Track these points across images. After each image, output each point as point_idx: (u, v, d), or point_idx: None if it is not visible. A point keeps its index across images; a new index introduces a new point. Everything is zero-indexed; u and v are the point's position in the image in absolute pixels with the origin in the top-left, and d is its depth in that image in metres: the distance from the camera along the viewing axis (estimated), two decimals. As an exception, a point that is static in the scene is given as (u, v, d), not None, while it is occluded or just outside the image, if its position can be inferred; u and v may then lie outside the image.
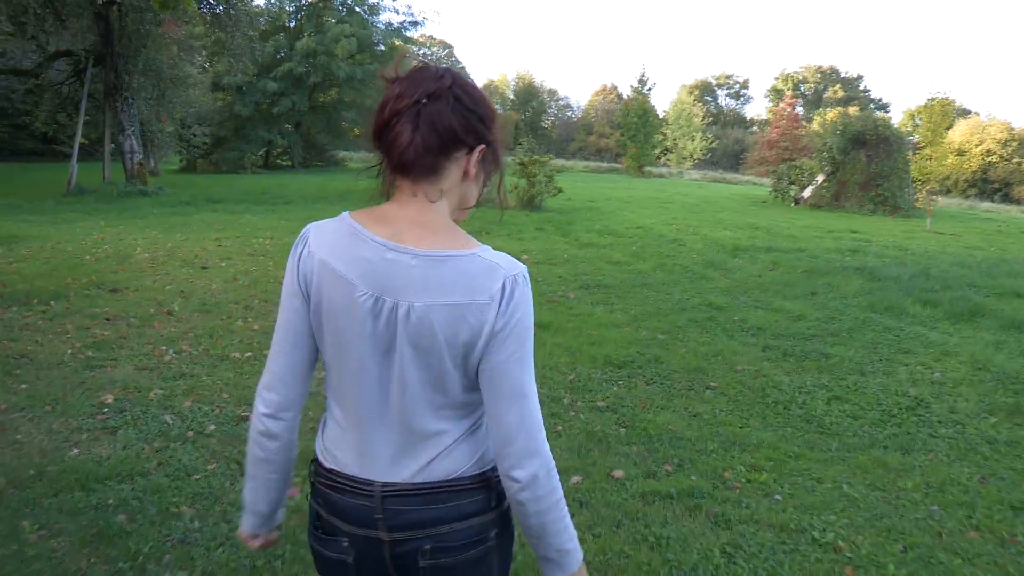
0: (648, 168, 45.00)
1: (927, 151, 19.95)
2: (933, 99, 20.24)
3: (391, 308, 1.37)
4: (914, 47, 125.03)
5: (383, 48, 40.08)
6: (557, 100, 79.88)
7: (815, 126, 53.78)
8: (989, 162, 52.14)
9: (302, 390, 1.53)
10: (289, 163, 39.83)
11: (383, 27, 40.90)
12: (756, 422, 5.14)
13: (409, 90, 1.33)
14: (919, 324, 8.15)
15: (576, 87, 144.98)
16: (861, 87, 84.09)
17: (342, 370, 1.45)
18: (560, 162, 36.19)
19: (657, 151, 59.08)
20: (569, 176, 34.15)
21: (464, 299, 1.35)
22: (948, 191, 38.78)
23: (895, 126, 26.15)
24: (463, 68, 70.96)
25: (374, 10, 40.27)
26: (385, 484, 1.45)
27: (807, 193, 24.92)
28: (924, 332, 7.79)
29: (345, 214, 1.44)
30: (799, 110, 65.65)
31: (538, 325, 6.28)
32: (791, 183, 25.93)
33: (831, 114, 48.38)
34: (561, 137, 71.70)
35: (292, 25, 38.85)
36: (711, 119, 74.12)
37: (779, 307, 8.67)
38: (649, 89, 46.24)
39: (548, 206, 18.80)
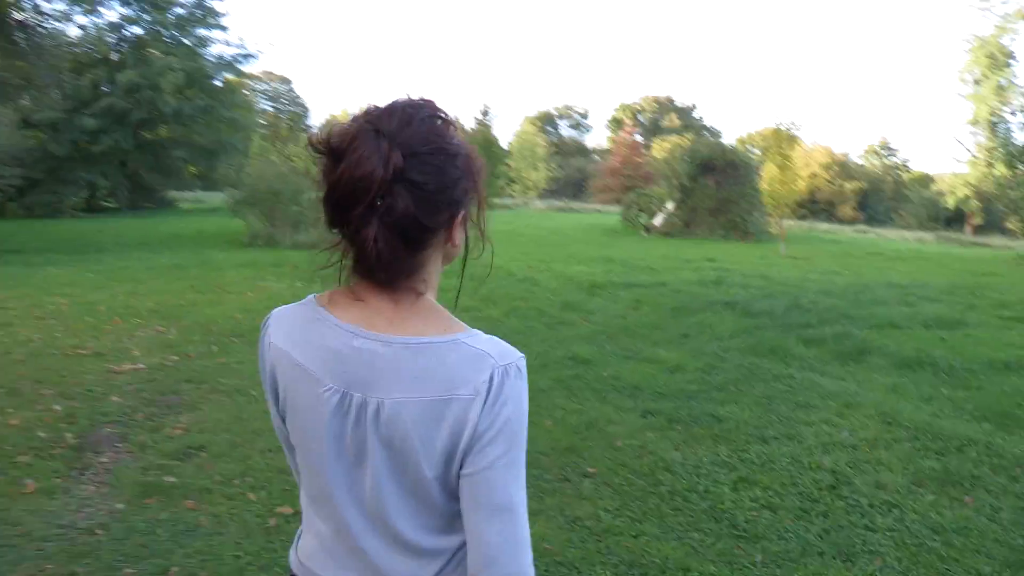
0: (493, 200, 44.23)
1: (779, 176, 19.84)
2: (779, 126, 20.14)
3: (360, 405, 1.17)
4: (741, 78, 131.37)
5: (218, 82, 37.93)
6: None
7: (655, 152, 54.81)
8: (816, 185, 54.90)
9: None
10: (115, 205, 36.79)
11: (214, 60, 38.59)
12: (652, 525, 4.04)
13: (356, 180, 1.07)
14: (808, 369, 7.40)
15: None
16: (695, 115, 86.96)
17: (314, 478, 1.25)
18: None
19: (501, 182, 59.05)
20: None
21: (443, 394, 1.14)
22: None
23: (742, 152, 26.40)
24: (301, 104, 69.16)
25: (203, 42, 37.96)
26: None
27: (658, 221, 24.69)
28: (816, 379, 7.02)
29: (310, 297, 1.26)
30: (639, 138, 67.08)
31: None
32: (640, 211, 25.67)
33: (669, 142, 49.26)
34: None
35: (115, 58, 36.04)
36: (554, 149, 74.88)
37: (652, 356, 7.74)
38: (492, 120, 45.81)
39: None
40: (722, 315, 9.86)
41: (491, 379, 1.14)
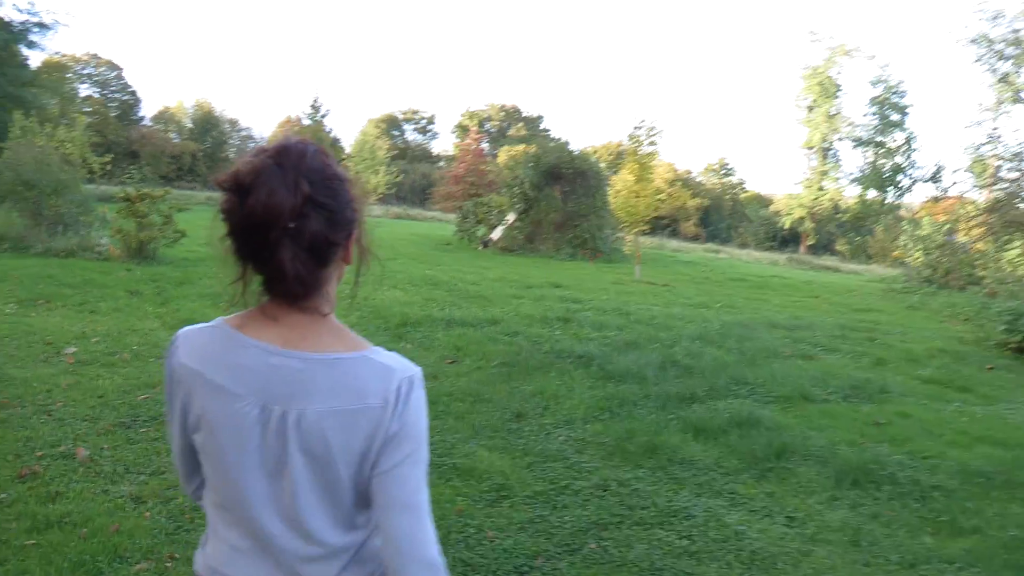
0: None
1: (635, 187, 17.27)
2: (636, 136, 17.51)
3: (279, 417, 1.29)
4: (587, 92, 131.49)
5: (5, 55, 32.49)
6: (239, 130, 73.45)
7: (501, 159, 52.70)
8: (659, 200, 54.19)
9: None
10: None
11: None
12: None
13: (269, 209, 1.21)
14: (709, 490, 4.65)
15: (260, 118, 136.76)
16: (541, 126, 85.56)
17: (227, 488, 1.35)
18: (192, 194, 30.24)
19: None
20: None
21: (357, 404, 1.29)
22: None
23: (593, 159, 23.80)
24: (133, 92, 62.75)
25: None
26: None
27: (496, 234, 21.63)
28: (724, 516, 4.24)
29: (219, 319, 1.37)
30: (484, 146, 64.86)
31: None
32: (478, 222, 22.64)
33: (516, 150, 47.11)
34: (244, 170, 65.21)
35: None
36: (397, 153, 71.86)
37: (465, 463, 4.78)
38: (324, 115, 41.55)
39: (165, 256, 13.85)
40: (573, 377, 7.02)
41: (398, 389, 1.30)
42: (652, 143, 17.59)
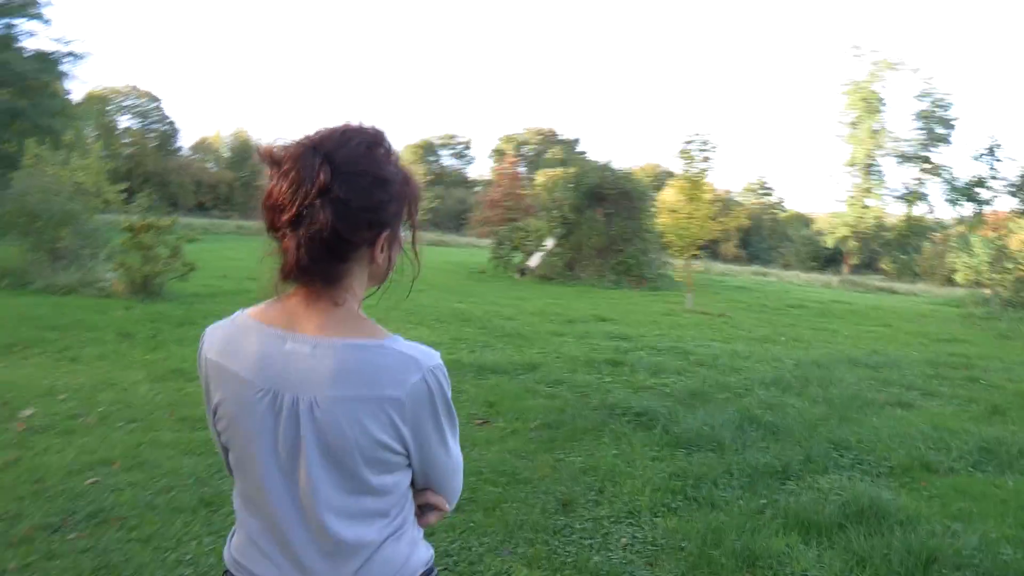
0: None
1: (687, 208, 15.83)
2: (687, 151, 16.01)
3: (291, 403, 1.28)
4: (623, 115, 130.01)
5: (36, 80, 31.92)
6: (276, 160, 73.25)
7: (538, 180, 51.72)
8: (716, 221, 52.62)
9: None
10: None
11: (29, 56, 32.40)
12: None
13: (287, 192, 1.23)
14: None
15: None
16: (579, 149, 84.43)
17: (247, 478, 1.36)
18: (223, 223, 29.23)
19: None
20: (249, 244, 27.96)
21: (375, 393, 1.26)
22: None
23: (637, 180, 22.24)
24: (172, 123, 62.68)
25: (10, 35, 31.84)
26: None
27: (534, 261, 20.16)
28: None
29: (240, 310, 1.38)
30: (521, 169, 63.93)
31: None
32: (514, 248, 21.22)
33: (555, 172, 46.03)
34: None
35: None
36: (433, 178, 71.32)
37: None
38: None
39: (173, 291, 12.69)
40: (631, 443, 5.63)
41: (425, 382, 1.29)
42: (705, 159, 16.12)
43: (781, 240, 60.63)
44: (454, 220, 63.18)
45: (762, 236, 62.29)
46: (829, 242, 57.03)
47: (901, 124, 60.67)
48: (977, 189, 20.29)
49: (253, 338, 1.30)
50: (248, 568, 1.37)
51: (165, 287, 12.55)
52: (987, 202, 20.84)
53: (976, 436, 6.21)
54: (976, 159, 20.17)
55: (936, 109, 55.71)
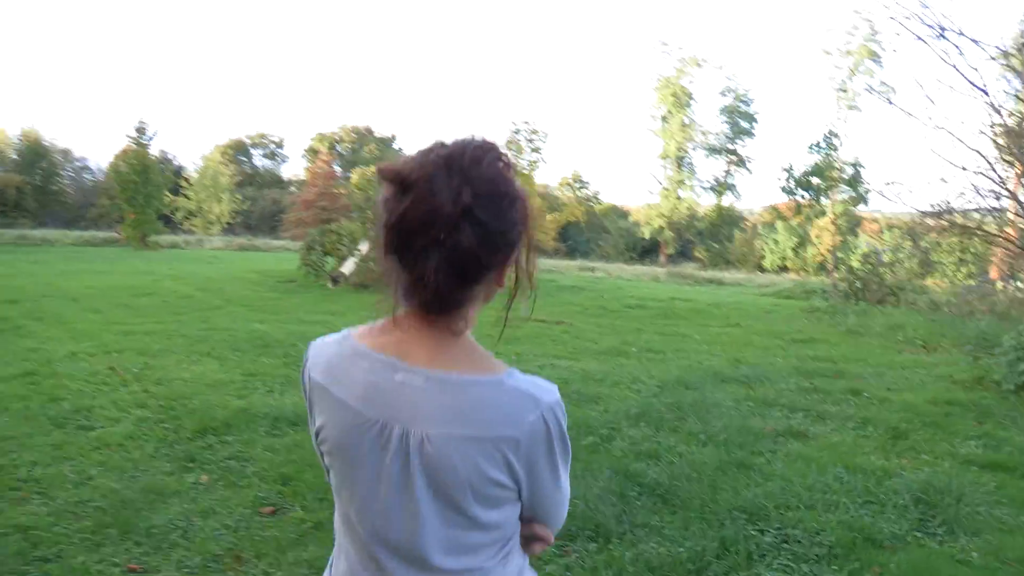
0: (154, 238, 34.79)
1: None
2: (514, 141, 14.58)
3: (400, 437, 1.19)
4: (441, 109, 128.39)
5: None
6: (73, 162, 67.16)
7: (354, 180, 49.52)
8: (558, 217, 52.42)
9: None
10: None
11: None
12: None
13: (425, 213, 1.12)
14: None
15: (96, 148, 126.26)
16: (396, 146, 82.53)
17: (347, 504, 1.28)
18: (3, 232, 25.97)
19: (180, 215, 52.19)
20: (44, 253, 24.44)
21: (490, 433, 1.17)
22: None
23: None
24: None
25: None
26: None
27: (348, 267, 18.11)
28: None
29: (347, 331, 1.30)
30: (336, 168, 61.49)
31: None
32: (326, 254, 19.08)
33: (370, 171, 44.08)
34: (78, 203, 59.27)
35: None
36: (244, 179, 67.84)
37: None
38: (150, 139, 36.66)
39: None
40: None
41: (544, 422, 1.20)
42: (535, 149, 14.69)
43: (599, 232, 61.06)
44: (268, 222, 60.20)
45: (580, 229, 62.55)
46: (646, 233, 58.62)
47: (708, 118, 62.96)
48: (813, 179, 20.24)
49: (362, 364, 1.22)
50: None
51: None
52: (824, 191, 20.93)
53: (902, 481, 4.97)
54: (811, 150, 20.10)
55: (739, 104, 58.26)
